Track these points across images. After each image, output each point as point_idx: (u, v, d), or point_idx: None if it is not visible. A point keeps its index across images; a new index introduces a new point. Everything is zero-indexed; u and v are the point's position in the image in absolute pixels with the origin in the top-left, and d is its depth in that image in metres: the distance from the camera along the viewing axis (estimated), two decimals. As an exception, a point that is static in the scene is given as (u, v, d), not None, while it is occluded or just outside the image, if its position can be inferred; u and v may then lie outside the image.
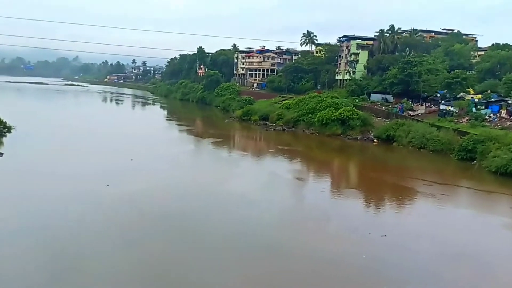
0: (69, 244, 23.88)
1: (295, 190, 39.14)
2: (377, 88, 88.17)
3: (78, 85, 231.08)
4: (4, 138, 55.32)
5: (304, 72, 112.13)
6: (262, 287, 20.78)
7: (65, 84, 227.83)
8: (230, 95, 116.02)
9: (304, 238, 26.60)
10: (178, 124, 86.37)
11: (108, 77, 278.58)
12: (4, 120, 57.85)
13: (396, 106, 77.80)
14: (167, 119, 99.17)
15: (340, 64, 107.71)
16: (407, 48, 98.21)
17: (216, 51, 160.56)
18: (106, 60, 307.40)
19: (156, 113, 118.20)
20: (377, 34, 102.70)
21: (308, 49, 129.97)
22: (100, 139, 59.93)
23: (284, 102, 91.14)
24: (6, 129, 57.82)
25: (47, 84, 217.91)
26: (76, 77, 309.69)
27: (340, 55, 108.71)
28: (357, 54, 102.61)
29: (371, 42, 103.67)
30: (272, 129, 78.16)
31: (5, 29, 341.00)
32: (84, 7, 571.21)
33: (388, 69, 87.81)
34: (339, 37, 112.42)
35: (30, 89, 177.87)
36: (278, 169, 47.07)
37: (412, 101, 78.31)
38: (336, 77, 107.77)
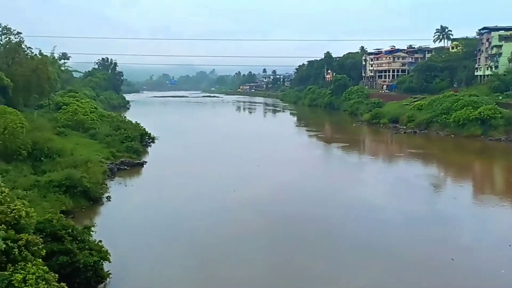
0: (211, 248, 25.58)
1: (426, 197, 36.59)
2: (525, 83, 78.67)
3: (214, 96, 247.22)
4: (149, 148, 61.40)
5: (438, 70, 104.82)
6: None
7: (203, 96, 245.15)
8: (358, 98, 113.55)
9: (422, 246, 24.79)
10: (306, 130, 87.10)
11: (241, 87, 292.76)
12: (149, 132, 64.17)
13: (549, 101, 68.45)
14: (296, 125, 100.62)
15: (479, 59, 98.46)
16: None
17: (344, 55, 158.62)
18: (239, 71, 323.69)
19: (286, 119, 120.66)
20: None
21: (443, 45, 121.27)
22: (234, 146, 63.09)
23: (416, 103, 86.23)
24: (151, 140, 64.18)
25: (187, 97, 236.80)
26: (213, 89, 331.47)
27: (479, 49, 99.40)
28: (500, 46, 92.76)
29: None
30: (402, 132, 74.46)
31: (154, 49, 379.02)
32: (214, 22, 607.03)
33: (538, 61, 77.98)
34: (478, 30, 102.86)
35: (174, 102, 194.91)
36: (407, 174, 44.75)
37: None
38: (475, 73, 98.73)
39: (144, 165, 47.83)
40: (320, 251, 24.71)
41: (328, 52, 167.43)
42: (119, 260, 22.24)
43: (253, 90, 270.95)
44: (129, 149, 49.46)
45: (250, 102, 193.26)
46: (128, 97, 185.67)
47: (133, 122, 63.97)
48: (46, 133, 41.93)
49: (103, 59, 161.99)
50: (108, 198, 34.30)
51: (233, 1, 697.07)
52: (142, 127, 62.85)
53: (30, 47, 69.95)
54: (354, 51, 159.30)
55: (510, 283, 20.33)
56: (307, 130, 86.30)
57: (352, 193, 36.54)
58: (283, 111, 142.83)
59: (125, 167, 45.42)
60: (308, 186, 39.16)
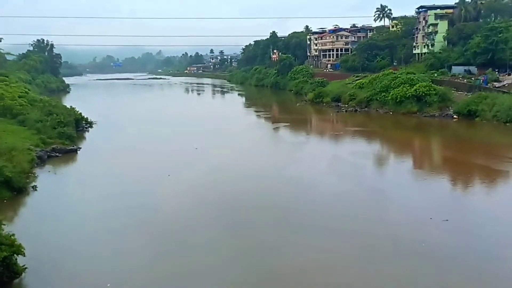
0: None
1: (359, 173, 37.32)
2: (459, 60, 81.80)
3: (160, 78, 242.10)
4: (86, 133, 59.08)
5: (379, 48, 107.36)
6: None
7: (149, 78, 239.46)
8: (303, 78, 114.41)
9: (354, 221, 25.28)
10: (250, 110, 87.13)
11: (188, 68, 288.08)
12: (86, 117, 61.63)
13: (479, 78, 71.48)
14: (240, 106, 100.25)
15: (417, 37, 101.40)
16: (492, 14, 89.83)
17: (289, 35, 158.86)
18: (186, 52, 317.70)
19: (231, 100, 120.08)
20: (457, 1, 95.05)
21: (383, 24, 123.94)
22: (177, 129, 61.97)
23: (357, 81, 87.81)
24: (88, 125, 61.78)
25: (132, 79, 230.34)
26: (160, 70, 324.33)
27: (417, 28, 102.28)
28: (436, 24, 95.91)
29: (451, 11, 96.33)
30: (344, 110, 75.78)
31: (97, 30, 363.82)
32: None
33: (470, 38, 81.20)
34: (416, 8, 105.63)
35: (118, 85, 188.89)
36: (343, 152, 45.60)
37: (498, 72, 71.62)
38: (414, 52, 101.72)
39: (78, 152, 45.97)
40: (256, 230, 24.58)
41: (273, 32, 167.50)
42: (38, 253, 21.19)
43: (200, 71, 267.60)
44: (62, 135, 47.26)
45: (197, 83, 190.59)
46: (69, 80, 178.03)
47: (68, 106, 61.19)
48: (-34, 120, 39.06)
49: (38, 40, 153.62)
50: (34, 187, 32.60)
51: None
52: (77, 111, 60.23)
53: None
54: (299, 31, 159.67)
55: (429, 257, 20.96)
56: (251, 111, 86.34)
57: (288, 172, 36.64)
58: (230, 92, 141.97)
59: (57, 154, 43.38)
60: (246, 167, 38.93)
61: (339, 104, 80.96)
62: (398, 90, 69.75)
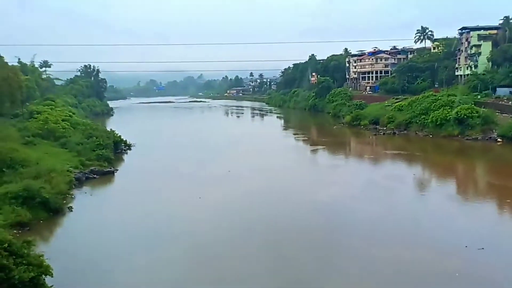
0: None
1: (396, 197, 36.24)
2: (504, 82, 79.06)
3: (201, 101, 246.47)
4: (125, 155, 60.64)
5: (420, 70, 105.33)
6: None
7: (190, 101, 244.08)
8: (341, 100, 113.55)
9: (386, 247, 24.42)
10: (287, 133, 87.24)
11: (228, 91, 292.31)
12: (125, 139, 63.35)
13: (525, 99, 68.65)
14: (277, 128, 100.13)
15: (460, 58, 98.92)
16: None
17: (327, 57, 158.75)
18: (226, 76, 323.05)
19: (268, 123, 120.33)
20: (501, 22, 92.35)
21: (424, 46, 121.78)
22: (214, 150, 62.80)
23: (396, 104, 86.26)
24: (127, 147, 63.41)
25: (174, 102, 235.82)
26: (200, 93, 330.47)
27: (459, 49, 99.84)
28: (479, 46, 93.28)
29: (494, 32, 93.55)
30: (382, 133, 74.39)
31: (142, 56, 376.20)
32: (204, 26, 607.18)
33: (516, 59, 78.53)
34: (458, 29, 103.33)
35: (159, 108, 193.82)
36: (380, 175, 44.53)
37: (545, 93, 68.67)
38: (456, 73, 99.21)
39: (115, 173, 47.16)
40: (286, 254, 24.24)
41: (312, 55, 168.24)
42: (67, 274, 21.65)
43: (240, 94, 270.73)
44: (100, 157, 48.70)
45: (236, 106, 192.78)
46: (114, 103, 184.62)
47: (108, 129, 63.23)
48: (11, 143, 40.99)
49: (85, 66, 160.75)
50: (70, 208, 33.58)
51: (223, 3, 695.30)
52: (117, 134, 62.03)
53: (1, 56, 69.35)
54: (338, 53, 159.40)
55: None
56: (288, 133, 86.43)
57: (321, 197, 36.09)
58: (268, 115, 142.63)
59: (94, 175, 44.64)
60: (279, 190, 38.72)
61: (377, 127, 79.65)
62: (438, 113, 67.97)
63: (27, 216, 29.42)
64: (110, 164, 49.35)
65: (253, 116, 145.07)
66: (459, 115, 65.25)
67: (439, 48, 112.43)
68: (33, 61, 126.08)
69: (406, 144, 66.17)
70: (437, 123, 67.12)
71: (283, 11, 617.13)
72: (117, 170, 48.34)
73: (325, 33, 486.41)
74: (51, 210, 31.84)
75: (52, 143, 52.42)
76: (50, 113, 62.26)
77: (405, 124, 74.43)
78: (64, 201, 34.55)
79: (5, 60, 73.25)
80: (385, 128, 76.96)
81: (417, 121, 72.46)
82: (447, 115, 66.46)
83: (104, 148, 51.55)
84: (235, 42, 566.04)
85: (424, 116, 71.63)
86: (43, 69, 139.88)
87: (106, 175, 45.85)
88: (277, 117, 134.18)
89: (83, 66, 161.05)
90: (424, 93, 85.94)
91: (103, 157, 49.20)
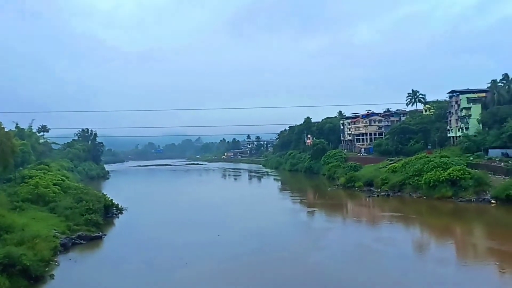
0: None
1: (388, 262, 35.47)
2: (495, 143, 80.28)
3: (198, 163, 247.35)
4: (116, 219, 59.94)
5: (413, 132, 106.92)
6: None
7: (187, 164, 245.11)
8: (336, 162, 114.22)
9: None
10: (281, 195, 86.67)
11: (225, 153, 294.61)
12: (116, 203, 62.90)
13: (517, 161, 69.10)
14: (271, 191, 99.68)
15: (451, 120, 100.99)
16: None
17: (322, 120, 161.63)
18: (223, 138, 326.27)
19: (263, 185, 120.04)
20: (489, 85, 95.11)
21: (416, 108, 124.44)
22: (207, 214, 62.23)
23: (390, 165, 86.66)
24: (118, 211, 62.80)
25: (171, 165, 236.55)
26: (198, 156, 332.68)
27: (450, 112, 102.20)
28: (469, 108, 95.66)
29: (483, 95, 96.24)
30: (376, 195, 74.07)
31: (140, 121, 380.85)
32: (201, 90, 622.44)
33: (506, 121, 79.99)
34: (448, 93, 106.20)
35: (156, 171, 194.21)
36: (369, 239, 43.82)
37: (537, 154, 69.26)
38: (448, 135, 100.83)
39: (103, 238, 46.36)
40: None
41: (308, 118, 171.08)
42: None
43: (238, 156, 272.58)
44: (88, 222, 48.08)
45: (233, 169, 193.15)
46: (111, 167, 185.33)
47: (99, 193, 62.93)
48: (-3, 208, 40.63)
49: (83, 130, 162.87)
50: (52, 276, 32.70)
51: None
52: (108, 198, 61.71)
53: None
54: (333, 116, 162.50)
55: None
56: (283, 195, 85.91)
57: (313, 260, 35.35)
58: (264, 177, 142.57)
59: (81, 241, 43.86)
60: (269, 255, 38.08)
61: (372, 188, 79.48)
62: (431, 174, 68.07)
63: (6, 284, 28.56)
64: (98, 229, 48.61)
65: (250, 178, 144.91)
66: (451, 176, 65.34)
67: (431, 110, 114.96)
68: (31, 126, 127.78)
69: (400, 206, 65.63)
70: (430, 185, 67.01)
71: (277, 75, 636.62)
72: (105, 235, 47.54)
73: (320, 97, 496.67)
74: (31, 278, 30.95)
75: (41, 208, 51.96)
76: (42, 177, 62.25)
77: (399, 186, 74.33)
78: (47, 268, 33.72)
79: (2, 126, 74.58)
80: (379, 189, 76.74)
81: (411, 182, 72.44)
82: (440, 176, 66.52)
83: (93, 212, 51.04)
84: (232, 107, 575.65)
85: (417, 177, 71.71)
86: (41, 133, 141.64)
87: (94, 241, 45.04)
88: (274, 179, 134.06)
89: (80, 130, 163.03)
90: (417, 154, 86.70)
91: (92, 222, 48.58)
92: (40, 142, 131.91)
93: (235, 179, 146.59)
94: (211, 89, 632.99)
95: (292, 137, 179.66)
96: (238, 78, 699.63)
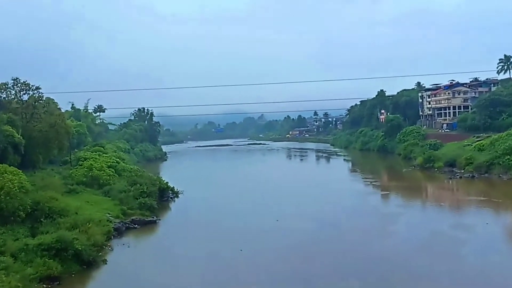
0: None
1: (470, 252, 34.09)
2: None
3: (260, 143, 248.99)
4: (172, 203, 62.03)
5: (504, 104, 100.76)
6: None
7: (249, 144, 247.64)
8: (413, 140, 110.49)
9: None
10: (352, 176, 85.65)
11: (290, 132, 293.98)
12: (172, 186, 64.92)
13: None
14: (341, 171, 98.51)
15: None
16: None
17: (398, 93, 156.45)
18: (288, 116, 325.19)
19: (335, 165, 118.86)
20: None
21: (509, 76, 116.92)
22: (269, 197, 63.03)
23: (477, 143, 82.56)
24: (174, 194, 64.83)
25: (232, 145, 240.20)
26: (261, 135, 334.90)
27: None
28: None
29: None
30: (458, 176, 71.06)
31: (199, 99, 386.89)
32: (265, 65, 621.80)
33: None
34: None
35: (216, 151, 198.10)
36: (443, 225, 42.43)
37: None
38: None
39: (157, 223, 48.28)
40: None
41: (381, 91, 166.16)
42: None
43: (304, 135, 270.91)
44: (142, 206, 50.12)
45: (299, 148, 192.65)
46: (169, 148, 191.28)
47: (153, 176, 65.19)
48: (51, 192, 43.32)
49: (139, 109, 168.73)
50: (104, 261, 34.56)
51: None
52: (163, 181, 63.84)
53: (53, 101, 74.72)
54: (410, 88, 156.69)
55: None
56: (354, 178, 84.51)
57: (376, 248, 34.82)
58: (333, 157, 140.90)
59: (135, 225, 45.94)
60: (334, 242, 38.39)
61: (454, 169, 76.31)
62: (526, 153, 64.15)
63: (58, 269, 30.57)
64: (153, 213, 50.57)
65: (317, 159, 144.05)
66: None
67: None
68: (87, 106, 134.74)
69: (487, 189, 62.53)
70: (525, 165, 63.32)
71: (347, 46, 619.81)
72: (159, 219, 49.45)
73: (396, 66, 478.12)
74: (84, 263, 32.91)
75: (95, 191, 54.81)
76: (96, 159, 65.45)
77: (486, 166, 70.85)
78: (100, 253, 35.62)
79: (58, 106, 79.21)
80: (462, 171, 73.59)
81: (501, 162, 68.76)
82: (536, 155, 62.57)
83: (148, 196, 53.04)
84: (298, 81, 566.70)
85: (508, 156, 67.90)
86: (97, 114, 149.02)
87: (148, 225, 47.01)
88: (343, 159, 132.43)
89: (137, 109, 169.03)
90: (510, 130, 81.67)
91: (146, 205, 50.56)
92: (96, 122, 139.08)
93: (301, 159, 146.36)
94: (277, 59, 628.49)
95: (364, 113, 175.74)
96: (304, 49, 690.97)
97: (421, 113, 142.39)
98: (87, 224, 38.16)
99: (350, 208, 54.11)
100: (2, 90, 62.99)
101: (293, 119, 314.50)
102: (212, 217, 50.85)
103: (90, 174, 57.53)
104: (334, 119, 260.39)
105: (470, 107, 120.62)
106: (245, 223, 47.22)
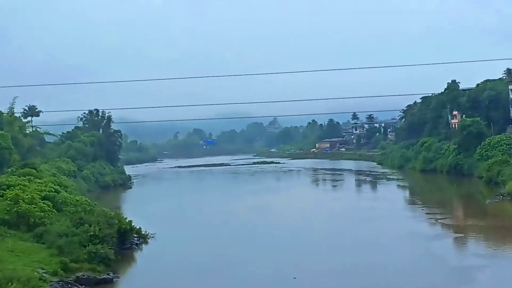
0: None
1: None
2: None
3: (272, 162, 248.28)
4: (138, 252, 61.98)
5: None
6: None
7: (255, 163, 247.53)
8: (501, 156, 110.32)
9: None
10: (410, 210, 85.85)
11: (317, 145, 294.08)
12: (138, 227, 64.81)
13: None
14: (395, 204, 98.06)
15: None
16: None
17: (478, 85, 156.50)
18: (313, 120, 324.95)
19: (384, 194, 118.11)
20: None
21: None
22: (290, 245, 62.38)
23: None
24: (142, 239, 64.76)
25: (229, 165, 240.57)
26: (273, 149, 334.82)
27: None
28: None
29: None
30: None
31: (179, 97, 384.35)
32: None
33: None
34: None
35: (204, 175, 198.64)
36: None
37: None
38: None
39: (114, 282, 48.26)
40: None
41: (453, 82, 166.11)
42: None
43: (340, 149, 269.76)
44: (93, 257, 50.00)
45: (329, 169, 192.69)
46: (136, 169, 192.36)
47: (110, 212, 65.11)
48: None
49: (90, 112, 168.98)
50: None
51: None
52: (125, 219, 63.81)
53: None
54: (495, 78, 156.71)
55: None
56: (409, 214, 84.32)
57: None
58: (379, 183, 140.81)
59: (82, 286, 45.81)
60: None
61: None
62: None
63: None
64: (108, 267, 50.52)
65: (358, 185, 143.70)
66: None
67: None
68: (13, 108, 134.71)
69: None
70: None
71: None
72: (118, 277, 49.43)
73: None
74: None
75: (23, 234, 54.80)
76: (25, 187, 65.60)
77: None
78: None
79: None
80: None
81: None
82: None
83: (101, 241, 52.94)
84: (328, 69, 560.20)
85: None
86: (28, 119, 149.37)
87: (101, 286, 46.94)
88: (398, 185, 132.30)
89: (86, 112, 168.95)
90: None
91: (98, 256, 50.45)
92: (27, 132, 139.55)
93: (333, 185, 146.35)
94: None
95: (427, 115, 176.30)
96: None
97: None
98: (8, 285, 38.12)
99: (406, 259, 53.83)
100: None
101: (321, 124, 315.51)
102: (196, 277, 50.67)
103: (16, 209, 57.54)
104: (382, 125, 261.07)
105: None
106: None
